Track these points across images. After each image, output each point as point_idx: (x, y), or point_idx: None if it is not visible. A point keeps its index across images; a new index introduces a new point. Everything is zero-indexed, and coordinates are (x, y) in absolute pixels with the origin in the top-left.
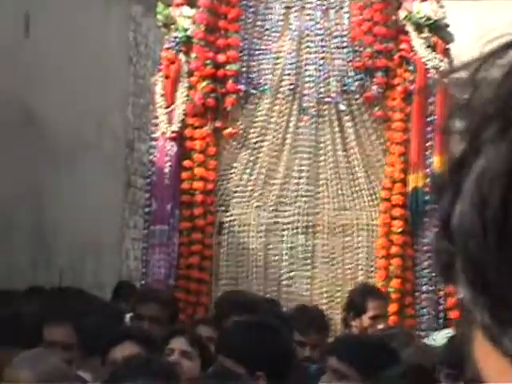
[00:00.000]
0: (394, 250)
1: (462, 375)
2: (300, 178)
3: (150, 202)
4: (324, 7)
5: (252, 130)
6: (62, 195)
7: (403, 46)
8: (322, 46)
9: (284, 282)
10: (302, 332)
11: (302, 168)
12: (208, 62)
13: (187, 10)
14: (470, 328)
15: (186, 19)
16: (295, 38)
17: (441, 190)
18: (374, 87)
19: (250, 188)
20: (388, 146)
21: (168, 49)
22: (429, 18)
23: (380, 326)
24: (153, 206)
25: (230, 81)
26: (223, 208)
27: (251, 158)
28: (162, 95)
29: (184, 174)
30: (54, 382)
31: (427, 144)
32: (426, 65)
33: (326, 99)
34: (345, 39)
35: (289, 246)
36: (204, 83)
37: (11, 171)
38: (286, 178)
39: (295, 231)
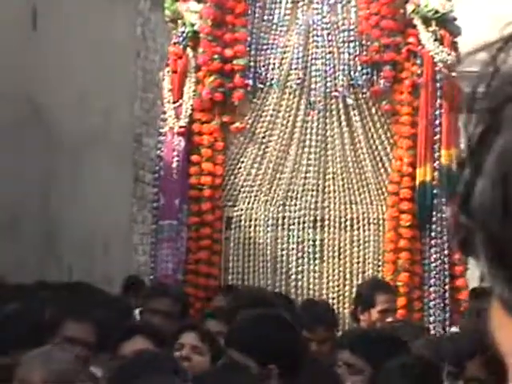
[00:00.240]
0: (402, 243)
1: (462, 374)
2: (308, 172)
3: (158, 196)
4: (331, 1)
5: (260, 125)
6: (70, 190)
7: (411, 39)
8: (330, 41)
9: (292, 277)
10: (308, 327)
11: (310, 162)
12: (215, 56)
13: (194, 5)
14: (487, 305)
15: (193, 14)
16: (302, 33)
17: (461, 167)
18: (382, 81)
19: (257, 182)
20: (396, 139)
21: (175, 44)
22: (436, 12)
23: (388, 320)
24: (161, 200)
25: (238, 75)
26: (231, 203)
27: (259, 153)
28: (170, 90)
29: (192, 169)
30: (66, 380)
31: (435, 138)
32: (434, 58)
33: (334, 93)
34: (352, 33)
35: (297, 240)
36: (211, 78)
37: (19, 167)
38: (293, 173)
39: (303, 225)
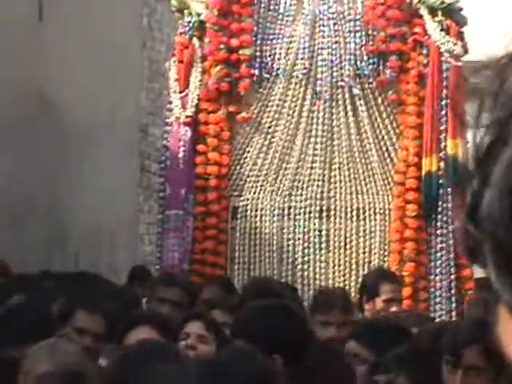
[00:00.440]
0: (407, 233)
1: (460, 362)
2: (314, 162)
3: (164, 186)
4: None
5: (266, 115)
6: (76, 180)
7: (417, 29)
8: (336, 30)
9: (298, 267)
10: (324, 310)
11: (316, 152)
12: (221, 46)
13: None
14: (493, 310)
15: (199, 4)
16: (308, 23)
17: (468, 177)
18: (388, 71)
19: (263, 172)
20: (402, 129)
21: (182, 34)
22: (443, 2)
23: (393, 309)
24: (167, 190)
25: (244, 65)
26: (237, 193)
27: (265, 143)
28: (176, 80)
29: (198, 159)
30: (73, 372)
31: (441, 128)
32: (440, 48)
33: (340, 83)
34: (358, 23)
35: (303, 230)
36: (218, 68)
37: (26, 157)
38: (299, 163)
39: (309, 215)
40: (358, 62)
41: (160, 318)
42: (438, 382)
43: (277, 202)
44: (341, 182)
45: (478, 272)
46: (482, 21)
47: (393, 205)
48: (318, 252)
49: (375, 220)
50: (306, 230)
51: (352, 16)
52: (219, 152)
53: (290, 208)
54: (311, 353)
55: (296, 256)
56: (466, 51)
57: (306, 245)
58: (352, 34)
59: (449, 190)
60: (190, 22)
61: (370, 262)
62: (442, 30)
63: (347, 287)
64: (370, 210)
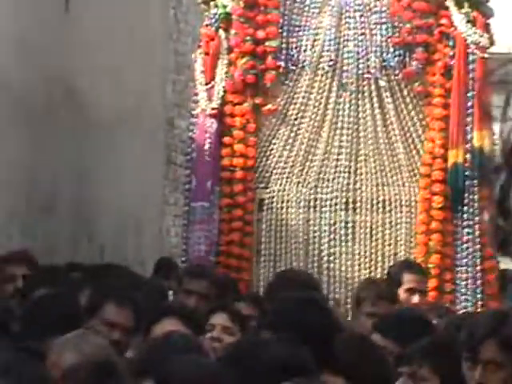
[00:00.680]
0: (433, 225)
1: (478, 358)
2: (340, 154)
3: (190, 178)
4: None
5: (292, 107)
6: (102, 172)
7: (443, 21)
8: (362, 22)
9: (324, 259)
10: (373, 302)
11: (342, 144)
12: (247, 38)
13: None
14: None
15: None
16: (335, 14)
17: (497, 172)
18: (414, 63)
19: (289, 164)
20: (428, 121)
21: (208, 25)
22: None
23: (415, 300)
24: (193, 182)
25: (270, 57)
26: (263, 185)
27: (291, 135)
28: (202, 72)
29: (224, 151)
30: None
31: (467, 119)
32: (466, 40)
33: (366, 75)
34: (384, 15)
35: (329, 222)
36: (244, 60)
37: (52, 149)
38: (325, 154)
39: (335, 207)
40: (384, 54)
41: (186, 310)
42: (460, 373)
43: (303, 193)
44: (367, 173)
45: (503, 263)
46: (508, 13)
47: (419, 197)
48: (343, 244)
49: (401, 212)
50: (331, 221)
51: (378, 8)
52: (245, 144)
53: (315, 200)
54: (340, 345)
55: (322, 248)
56: (492, 43)
57: (331, 237)
58: (378, 26)
59: (475, 181)
60: (215, 13)
61: (395, 254)
62: (468, 21)
63: None
64: (395, 201)
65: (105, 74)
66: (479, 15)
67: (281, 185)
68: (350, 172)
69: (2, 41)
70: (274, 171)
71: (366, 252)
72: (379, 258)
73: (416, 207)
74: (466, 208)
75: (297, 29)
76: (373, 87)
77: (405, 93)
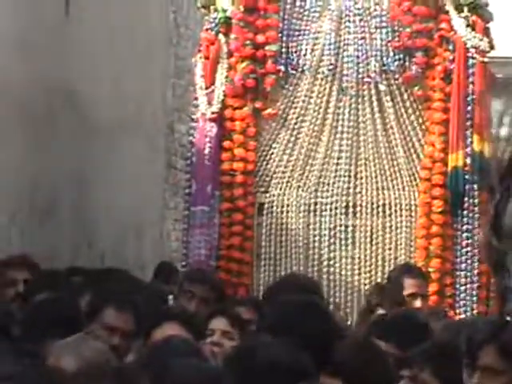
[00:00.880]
0: (434, 229)
1: (476, 364)
2: (340, 158)
3: (191, 183)
4: None
5: (292, 111)
6: (102, 176)
7: (443, 25)
8: (362, 26)
9: (324, 263)
10: (391, 307)
11: (342, 148)
12: (247, 42)
13: None
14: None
15: (225, 0)
16: (334, 18)
17: (492, 191)
18: (414, 67)
19: (289, 168)
20: (428, 125)
21: (208, 30)
22: None
23: (417, 304)
24: (193, 187)
25: (270, 61)
26: (263, 189)
27: (291, 139)
28: (202, 76)
29: (224, 155)
30: (99, 369)
31: (467, 123)
32: (466, 44)
33: (366, 79)
34: (384, 19)
35: (329, 226)
36: (243, 64)
37: (52, 152)
38: (325, 159)
39: (335, 211)
40: (384, 58)
41: (187, 314)
42: (461, 377)
43: (303, 198)
44: (367, 177)
45: None
46: (508, 17)
47: (419, 201)
48: (343, 248)
49: (401, 216)
50: (332, 225)
51: (378, 12)
52: (245, 148)
53: (316, 204)
54: (343, 349)
55: (322, 252)
56: (491, 47)
57: (332, 241)
58: (378, 30)
59: (475, 186)
60: (215, 18)
61: (396, 258)
62: (467, 25)
63: (373, 283)
64: (396, 205)
65: (105, 77)
66: (478, 19)
67: (281, 189)
68: (350, 176)
69: (2, 43)
70: (274, 175)
71: (366, 256)
72: (379, 262)
73: (416, 211)
74: (465, 212)
75: (297, 33)
76: (373, 91)
77: (405, 97)
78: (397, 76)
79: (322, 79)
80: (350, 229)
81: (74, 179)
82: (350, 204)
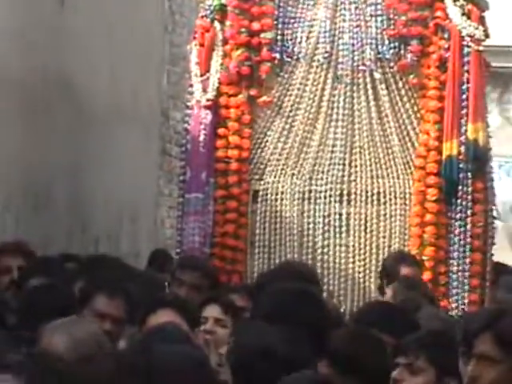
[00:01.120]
0: (428, 218)
1: (472, 352)
2: (334, 146)
3: (185, 170)
4: None
5: (287, 99)
6: (97, 163)
7: (438, 13)
8: (357, 14)
9: (319, 250)
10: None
11: (337, 136)
12: (242, 30)
13: None
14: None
15: None
16: (330, 6)
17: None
18: (409, 55)
19: (284, 156)
20: (423, 114)
21: (203, 17)
22: None
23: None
24: (187, 174)
25: (265, 49)
26: (258, 176)
27: (286, 126)
28: (197, 63)
29: (219, 143)
30: (89, 349)
31: (462, 112)
32: (461, 32)
33: (361, 67)
34: (379, 7)
35: (323, 214)
36: (238, 51)
37: (47, 139)
38: (320, 146)
39: (330, 199)
40: (379, 46)
41: (182, 301)
42: (457, 365)
43: (297, 185)
44: (361, 165)
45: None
46: (503, 5)
47: (413, 189)
48: (338, 236)
49: (395, 204)
50: (326, 213)
51: (373, 0)
52: (240, 135)
53: (310, 192)
54: (339, 337)
55: (316, 240)
56: (487, 36)
57: (326, 228)
58: (373, 18)
59: (469, 174)
60: (211, 5)
61: (390, 246)
62: (463, 14)
63: (367, 271)
64: (390, 194)
65: (101, 65)
66: (474, 8)
67: (275, 176)
68: (344, 164)
69: None
70: (269, 163)
71: (360, 244)
72: (373, 250)
73: (410, 199)
74: (459, 201)
75: (292, 21)
76: (368, 79)
77: (400, 85)
78: (392, 64)
79: (317, 67)
80: (344, 217)
81: (69, 166)
82: (345, 192)
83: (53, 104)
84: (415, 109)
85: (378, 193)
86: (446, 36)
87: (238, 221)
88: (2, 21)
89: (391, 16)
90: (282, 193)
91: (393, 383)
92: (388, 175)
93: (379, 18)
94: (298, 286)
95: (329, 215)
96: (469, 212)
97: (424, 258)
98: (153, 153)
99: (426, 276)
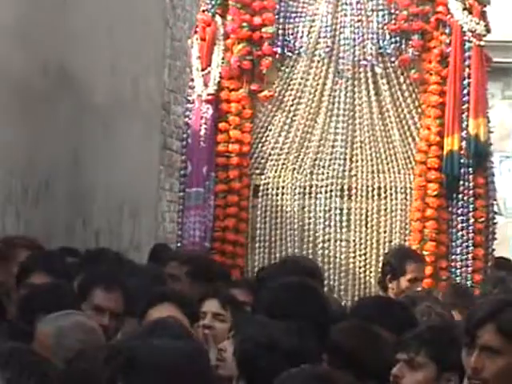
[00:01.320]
0: (429, 212)
1: (474, 343)
2: (335, 140)
3: (186, 164)
4: None
5: (288, 93)
6: (98, 157)
7: (440, 8)
8: (358, 9)
9: (319, 245)
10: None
11: (338, 131)
12: (244, 24)
13: None
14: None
15: None
16: (331, 1)
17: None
18: (410, 50)
19: (285, 151)
20: (424, 109)
21: (204, 11)
22: None
23: (418, 289)
24: (188, 168)
25: (266, 43)
26: (258, 171)
27: (287, 121)
28: (198, 58)
29: (219, 137)
30: (76, 337)
31: (463, 107)
32: (463, 28)
33: (362, 62)
34: (381, 2)
35: (324, 208)
36: (240, 46)
37: (48, 133)
38: (321, 141)
39: (330, 194)
40: (381, 41)
41: (182, 295)
42: (459, 360)
43: (298, 180)
44: (362, 160)
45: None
46: (505, 0)
47: (414, 184)
48: (338, 231)
49: (396, 199)
50: (327, 208)
51: None
52: (241, 130)
53: (311, 186)
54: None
55: (317, 234)
56: (488, 31)
57: (327, 223)
58: (375, 13)
59: (470, 169)
60: None
61: (390, 241)
62: (464, 9)
63: (368, 266)
64: (391, 188)
65: (102, 59)
66: (475, 3)
67: (276, 171)
68: (345, 159)
69: (1, 28)
70: (270, 157)
71: (361, 239)
72: (374, 245)
73: (411, 194)
74: (460, 196)
75: (293, 15)
76: (369, 74)
77: (401, 80)
78: (393, 59)
79: (318, 62)
80: (345, 211)
81: (70, 159)
82: (346, 187)
83: (54, 99)
84: (416, 104)
85: (379, 188)
86: (447, 31)
87: (238, 215)
88: (4, 14)
89: (392, 11)
90: (283, 187)
91: (393, 379)
92: (389, 170)
93: (380, 13)
94: (300, 281)
95: (329, 210)
96: (470, 207)
97: (425, 252)
98: (154, 147)
99: (427, 271)
